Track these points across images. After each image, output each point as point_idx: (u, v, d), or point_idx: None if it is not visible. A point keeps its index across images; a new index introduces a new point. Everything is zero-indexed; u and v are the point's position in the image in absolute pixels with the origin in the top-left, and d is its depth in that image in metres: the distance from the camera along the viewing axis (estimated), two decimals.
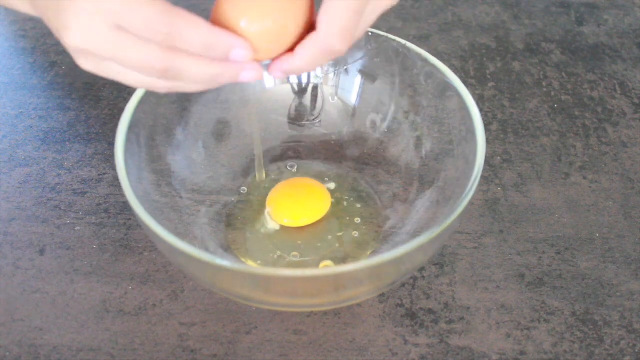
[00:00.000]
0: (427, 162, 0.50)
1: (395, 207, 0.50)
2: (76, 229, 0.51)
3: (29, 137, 0.58)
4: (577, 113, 0.61)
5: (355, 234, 0.49)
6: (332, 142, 0.55)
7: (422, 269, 0.48)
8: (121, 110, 0.43)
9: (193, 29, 0.31)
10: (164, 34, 0.30)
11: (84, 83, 0.63)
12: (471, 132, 0.43)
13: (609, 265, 0.49)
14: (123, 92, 0.62)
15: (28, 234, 0.50)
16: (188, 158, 0.51)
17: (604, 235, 0.51)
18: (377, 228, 0.50)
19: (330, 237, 0.49)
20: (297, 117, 0.55)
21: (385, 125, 0.53)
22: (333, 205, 0.51)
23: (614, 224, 0.52)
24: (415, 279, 0.48)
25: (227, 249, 0.48)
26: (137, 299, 0.46)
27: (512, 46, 0.69)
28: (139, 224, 0.50)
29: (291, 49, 0.35)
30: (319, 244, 0.48)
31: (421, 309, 0.46)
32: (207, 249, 0.46)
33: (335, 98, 0.54)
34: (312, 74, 0.54)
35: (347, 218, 0.50)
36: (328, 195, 0.51)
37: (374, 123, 0.53)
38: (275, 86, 0.54)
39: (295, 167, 0.54)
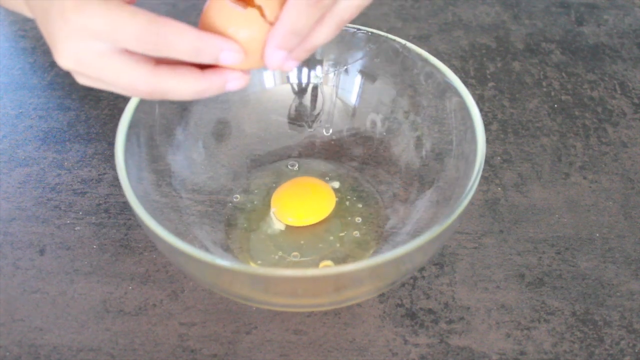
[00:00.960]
0: (427, 162, 0.50)
1: (396, 207, 0.50)
2: (76, 229, 0.51)
3: (29, 137, 0.58)
4: (577, 113, 0.61)
5: (356, 233, 0.49)
6: (332, 142, 0.55)
7: (422, 269, 0.48)
8: (121, 110, 0.43)
9: (180, 35, 0.31)
10: (153, 43, 0.31)
11: None
12: (471, 132, 0.43)
13: (609, 265, 0.49)
14: None
15: (28, 234, 0.50)
16: (188, 158, 0.51)
17: (604, 235, 0.51)
18: (377, 228, 0.50)
19: (331, 237, 0.49)
20: (297, 117, 0.55)
21: (385, 125, 0.53)
22: (335, 204, 0.51)
23: (614, 224, 0.52)
24: (415, 279, 0.48)
25: (227, 249, 0.48)
26: (137, 299, 0.46)
27: (512, 46, 0.69)
28: (139, 224, 0.50)
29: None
30: (320, 245, 0.48)
31: (421, 309, 0.46)
32: (207, 249, 0.46)
33: (335, 98, 0.54)
34: (312, 74, 0.54)
35: (349, 218, 0.50)
36: (332, 194, 0.51)
37: (374, 123, 0.53)
38: (275, 86, 0.54)
39: (297, 166, 0.54)
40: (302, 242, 0.49)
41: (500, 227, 0.51)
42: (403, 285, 0.47)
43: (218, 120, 0.53)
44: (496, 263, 0.49)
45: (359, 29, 0.50)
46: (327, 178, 0.53)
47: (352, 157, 0.54)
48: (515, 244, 0.50)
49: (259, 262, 0.47)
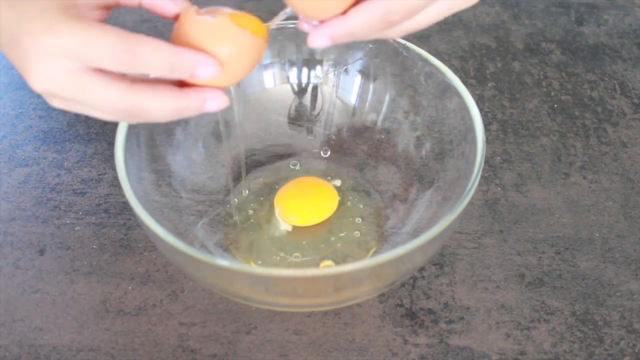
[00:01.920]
0: (427, 162, 0.50)
1: (396, 207, 0.50)
2: (76, 229, 0.51)
3: (28, 137, 0.58)
4: (577, 113, 0.61)
5: (357, 233, 0.49)
6: (332, 142, 0.55)
7: (422, 269, 0.48)
8: None
9: (154, 51, 0.31)
10: (127, 61, 0.30)
11: None
12: (471, 132, 0.43)
13: (609, 265, 0.49)
14: None
15: (28, 234, 0.50)
16: (188, 158, 0.51)
17: (604, 235, 0.51)
18: (377, 228, 0.50)
19: (332, 237, 0.49)
20: (297, 117, 0.55)
21: (385, 125, 0.53)
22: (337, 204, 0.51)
23: (614, 224, 0.52)
24: (415, 279, 0.48)
25: (227, 249, 0.48)
26: (137, 299, 0.46)
27: (512, 46, 0.69)
28: (139, 224, 0.50)
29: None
30: (321, 245, 0.48)
31: (421, 309, 0.46)
32: (207, 249, 0.46)
33: (335, 98, 0.54)
34: (312, 74, 0.54)
35: (349, 218, 0.50)
36: (335, 193, 0.51)
37: (374, 123, 0.53)
38: (275, 86, 0.54)
39: (298, 165, 0.54)
40: (303, 242, 0.49)
41: (500, 227, 0.51)
42: (403, 285, 0.47)
43: (218, 120, 0.53)
44: (496, 263, 0.49)
45: None
46: (329, 178, 0.53)
47: (352, 157, 0.54)
48: (515, 244, 0.50)
49: (259, 262, 0.47)
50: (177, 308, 0.46)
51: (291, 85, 0.54)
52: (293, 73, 0.54)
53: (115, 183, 0.54)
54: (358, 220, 0.50)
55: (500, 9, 0.74)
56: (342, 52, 0.52)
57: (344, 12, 0.33)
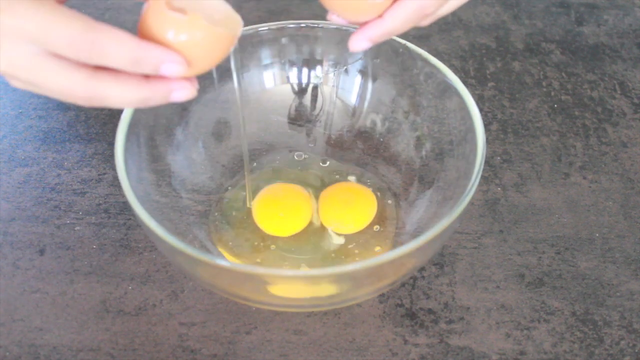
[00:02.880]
0: (427, 162, 0.50)
1: (396, 206, 0.50)
2: (76, 229, 0.51)
3: (28, 137, 0.58)
4: (577, 113, 0.61)
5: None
6: (332, 142, 0.55)
7: (422, 269, 0.48)
8: (121, 110, 0.43)
9: (118, 44, 0.30)
10: (87, 50, 0.30)
11: None
12: (471, 132, 0.43)
13: (609, 265, 0.49)
14: None
15: (28, 234, 0.50)
16: (188, 158, 0.51)
17: (604, 235, 0.51)
18: (377, 228, 0.49)
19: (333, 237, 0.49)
20: (297, 117, 0.55)
21: (385, 125, 0.53)
22: None
23: (614, 224, 0.52)
24: (415, 279, 0.48)
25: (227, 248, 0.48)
26: (137, 299, 0.46)
27: (512, 46, 0.69)
28: (139, 224, 0.50)
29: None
30: (321, 245, 0.48)
31: (421, 309, 0.46)
32: (207, 249, 0.46)
33: (335, 98, 0.54)
34: (312, 74, 0.54)
35: None
36: (374, 199, 0.50)
37: (374, 123, 0.53)
38: (275, 86, 0.54)
39: (304, 156, 0.54)
40: (303, 242, 0.49)
41: (500, 227, 0.51)
42: (403, 285, 0.47)
43: (218, 120, 0.53)
44: (496, 263, 0.49)
45: None
46: (337, 176, 0.53)
47: (352, 157, 0.54)
48: (515, 244, 0.50)
49: (258, 260, 0.47)
50: (177, 308, 0.46)
51: (291, 85, 0.54)
52: (293, 73, 0.54)
53: (115, 183, 0.54)
54: None
55: (500, 9, 0.74)
56: (342, 52, 0.52)
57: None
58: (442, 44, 0.69)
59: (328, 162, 0.54)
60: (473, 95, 0.46)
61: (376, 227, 0.49)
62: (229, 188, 0.52)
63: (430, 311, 0.46)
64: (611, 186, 0.54)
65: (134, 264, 0.48)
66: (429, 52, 0.48)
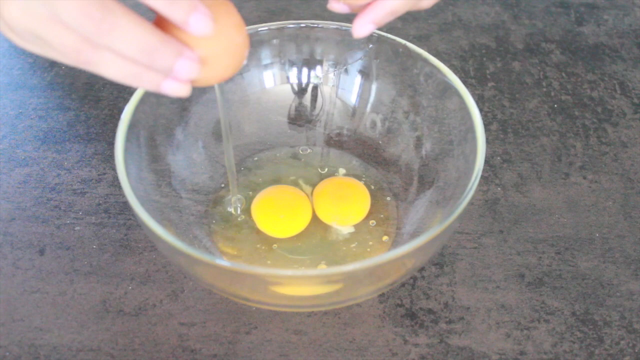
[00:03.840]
0: (427, 162, 0.50)
1: (396, 206, 0.50)
2: (76, 229, 0.51)
3: (28, 137, 0.58)
4: (577, 113, 0.61)
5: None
6: (332, 142, 0.55)
7: (422, 269, 0.48)
8: (121, 110, 0.43)
9: (133, 26, 0.28)
10: (96, 25, 0.27)
11: (84, 83, 0.63)
12: (471, 132, 0.43)
13: (608, 265, 0.49)
14: (123, 92, 0.62)
15: (28, 234, 0.50)
16: (188, 158, 0.51)
17: (604, 235, 0.51)
18: (377, 228, 0.50)
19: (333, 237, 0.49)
20: (297, 117, 0.55)
21: (385, 125, 0.53)
22: None
23: (614, 224, 0.52)
24: (415, 279, 0.48)
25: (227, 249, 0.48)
26: (137, 299, 0.46)
27: (512, 46, 0.69)
28: (139, 224, 0.50)
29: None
30: (322, 245, 0.48)
31: (421, 309, 0.46)
32: (207, 249, 0.46)
33: (335, 98, 0.54)
34: (312, 74, 0.54)
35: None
36: (367, 195, 0.51)
37: (374, 123, 0.53)
38: (275, 86, 0.54)
39: (309, 150, 0.54)
40: (302, 243, 0.49)
41: (500, 227, 0.51)
42: (403, 285, 0.47)
43: (218, 120, 0.53)
44: (496, 263, 0.49)
45: None
46: (336, 173, 0.53)
47: (352, 158, 0.54)
48: (515, 244, 0.50)
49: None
50: (177, 308, 0.46)
51: (291, 85, 0.54)
52: (293, 73, 0.54)
53: (115, 183, 0.54)
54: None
55: (500, 9, 0.74)
56: (342, 52, 0.52)
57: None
58: (442, 44, 0.69)
59: (328, 162, 0.54)
60: (473, 95, 0.46)
61: (372, 222, 0.49)
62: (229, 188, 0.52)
63: (430, 311, 0.46)
64: (611, 186, 0.54)
65: (134, 264, 0.48)
66: (429, 52, 0.48)
